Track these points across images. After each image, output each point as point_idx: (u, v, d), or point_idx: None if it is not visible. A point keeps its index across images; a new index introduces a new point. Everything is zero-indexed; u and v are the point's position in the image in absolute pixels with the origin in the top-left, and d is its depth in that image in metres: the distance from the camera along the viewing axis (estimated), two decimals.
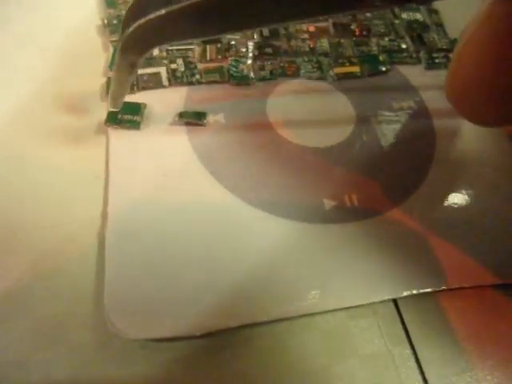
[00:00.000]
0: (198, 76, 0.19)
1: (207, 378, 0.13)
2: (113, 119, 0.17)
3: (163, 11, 0.12)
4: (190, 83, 0.18)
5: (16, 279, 0.14)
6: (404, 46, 0.21)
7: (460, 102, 0.15)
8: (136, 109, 0.17)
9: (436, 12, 0.22)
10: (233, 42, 0.20)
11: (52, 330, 0.13)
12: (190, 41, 0.16)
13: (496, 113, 0.15)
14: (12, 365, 0.13)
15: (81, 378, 0.13)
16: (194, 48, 0.19)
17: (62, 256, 0.14)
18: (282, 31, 0.20)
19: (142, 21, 0.12)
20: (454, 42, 0.21)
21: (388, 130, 0.18)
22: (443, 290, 0.14)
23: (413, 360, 0.14)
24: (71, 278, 0.14)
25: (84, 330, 0.13)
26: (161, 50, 0.19)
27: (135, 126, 0.17)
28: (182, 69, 0.19)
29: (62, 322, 0.13)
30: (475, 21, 0.14)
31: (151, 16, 0.12)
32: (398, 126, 0.18)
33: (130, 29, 0.13)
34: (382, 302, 0.14)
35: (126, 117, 0.17)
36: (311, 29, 0.21)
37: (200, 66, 0.19)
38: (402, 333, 0.14)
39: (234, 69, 0.19)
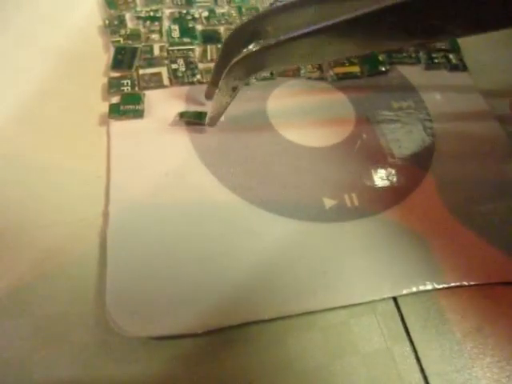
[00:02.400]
0: (198, 76, 0.19)
1: (208, 375, 0.13)
2: (115, 111, 0.17)
3: (272, 41, 0.14)
4: (191, 83, 0.19)
5: (18, 278, 0.14)
6: None
7: None
8: (137, 98, 0.17)
9: None
10: None
11: (54, 328, 0.13)
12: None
13: None
14: (14, 362, 0.13)
15: (82, 375, 0.13)
16: (195, 48, 0.20)
17: (64, 255, 0.14)
18: None
19: (249, 50, 0.14)
20: (452, 42, 0.21)
21: (387, 130, 0.18)
22: (443, 288, 0.15)
23: (413, 357, 0.14)
24: (73, 277, 0.14)
25: (86, 328, 0.13)
26: (162, 50, 0.19)
27: (139, 114, 0.17)
28: (183, 69, 0.19)
29: (63, 320, 0.13)
30: None
31: (258, 47, 0.14)
32: (397, 126, 0.18)
33: (235, 59, 0.14)
34: (382, 299, 0.14)
35: (128, 107, 0.17)
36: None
37: (201, 66, 0.19)
38: (402, 330, 0.14)
39: None
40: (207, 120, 0.17)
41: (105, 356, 0.13)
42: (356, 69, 0.20)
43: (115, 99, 0.17)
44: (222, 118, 0.18)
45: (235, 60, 0.14)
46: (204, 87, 0.18)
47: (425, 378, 0.13)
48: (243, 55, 0.14)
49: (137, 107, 0.17)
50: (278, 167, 0.17)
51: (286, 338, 0.14)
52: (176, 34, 0.20)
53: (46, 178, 0.16)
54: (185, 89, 0.18)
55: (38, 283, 0.14)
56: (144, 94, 0.18)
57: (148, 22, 0.20)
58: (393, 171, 0.17)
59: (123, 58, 0.19)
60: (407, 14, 0.12)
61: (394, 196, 0.16)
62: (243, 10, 0.21)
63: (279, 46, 0.14)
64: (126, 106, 0.17)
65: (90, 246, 0.15)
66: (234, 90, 0.15)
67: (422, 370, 0.13)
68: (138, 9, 0.21)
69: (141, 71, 0.18)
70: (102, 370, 0.13)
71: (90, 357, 0.13)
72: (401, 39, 0.13)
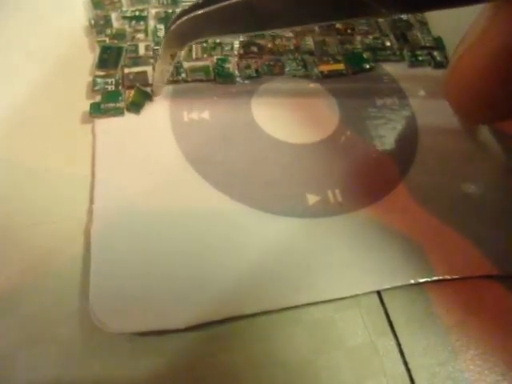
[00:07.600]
0: (183, 74, 0.19)
1: (193, 371, 0.13)
2: (96, 109, 0.17)
3: (200, 11, 0.14)
4: (176, 82, 0.19)
5: (3, 276, 0.14)
6: (388, 44, 0.21)
7: (455, 103, 0.16)
8: (117, 96, 0.18)
9: None
10: (218, 41, 0.20)
11: (38, 326, 0.13)
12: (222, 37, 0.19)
13: (488, 114, 0.15)
14: None
15: (68, 372, 0.13)
16: None
17: (49, 254, 0.14)
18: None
19: (183, 19, 0.15)
20: (437, 39, 0.21)
21: (371, 127, 0.18)
22: (426, 281, 0.15)
23: (396, 351, 0.14)
24: (58, 275, 0.14)
25: (71, 325, 0.13)
26: (147, 50, 0.19)
27: (119, 112, 0.17)
28: None
29: (48, 318, 0.13)
30: (474, 31, 0.14)
31: (191, 15, 0.14)
32: (381, 123, 0.18)
33: (173, 26, 0.15)
34: (365, 294, 0.14)
35: (109, 105, 0.17)
36: (296, 27, 0.21)
37: (186, 64, 0.19)
38: (386, 324, 0.14)
39: (220, 67, 0.19)
40: (152, 90, 0.18)
41: (90, 353, 0.13)
42: (341, 66, 0.20)
43: (98, 98, 0.18)
44: (207, 117, 0.18)
45: (171, 28, 0.15)
46: (189, 86, 0.19)
47: (408, 370, 0.13)
48: (178, 23, 0.15)
49: (117, 105, 0.17)
50: (262, 164, 0.17)
51: (271, 333, 0.14)
52: (161, 33, 0.20)
53: (32, 177, 0.16)
54: (170, 87, 0.18)
55: (22, 281, 0.14)
56: (125, 92, 0.18)
57: (134, 22, 0.20)
58: (376, 167, 0.17)
59: (108, 58, 0.19)
60: None
61: (377, 191, 0.16)
62: None
63: (210, 16, 0.14)
64: (107, 104, 0.17)
65: (75, 244, 0.15)
66: (173, 57, 0.16)
67: (406, 363, 0.14)
68: (124, 9, 0.21)
69: (126, 70, 0.18)
70: (87, 366, 0.13)
71: (75, 354, 0.13)
72: (326, 16, 0.14)
